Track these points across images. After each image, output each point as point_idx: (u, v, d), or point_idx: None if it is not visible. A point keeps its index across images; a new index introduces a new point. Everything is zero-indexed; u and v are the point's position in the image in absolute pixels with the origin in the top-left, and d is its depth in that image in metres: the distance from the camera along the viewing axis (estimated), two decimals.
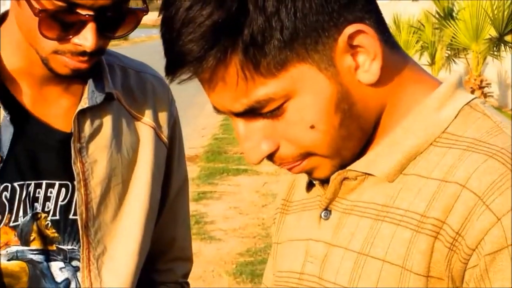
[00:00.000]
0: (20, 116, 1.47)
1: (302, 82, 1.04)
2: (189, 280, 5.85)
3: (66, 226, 1.51)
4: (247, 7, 0.96)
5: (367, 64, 1.04)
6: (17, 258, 1.47)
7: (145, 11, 1.42)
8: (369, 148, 1.14)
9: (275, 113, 1.05)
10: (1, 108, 1.44)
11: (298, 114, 1.06)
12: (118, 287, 1.53)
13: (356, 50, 1.03)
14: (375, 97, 1.09)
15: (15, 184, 1.46)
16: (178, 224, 1.77)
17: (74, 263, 1.52)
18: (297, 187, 1.33)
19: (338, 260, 1.11)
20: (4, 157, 1.44)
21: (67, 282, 1.52)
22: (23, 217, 1.47)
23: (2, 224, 1.45)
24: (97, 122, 1.53)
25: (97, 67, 1.50)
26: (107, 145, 1.54)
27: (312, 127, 1.05)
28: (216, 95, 1.06)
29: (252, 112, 1.06)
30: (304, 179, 1.26)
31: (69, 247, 1.52)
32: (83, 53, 1.37)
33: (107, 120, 1.55)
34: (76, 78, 1.47)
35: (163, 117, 1.66)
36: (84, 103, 1.49)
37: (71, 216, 1.51)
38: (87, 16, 1.31)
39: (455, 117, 1.08)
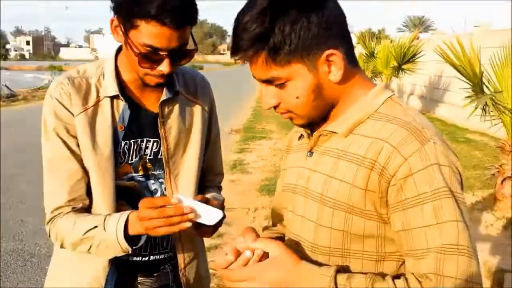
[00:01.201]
0: (132, 105, 1.46)
1: (297, 74, 1.06)
2: (235, 194, 5.95)
3: (156, 162, 1.50)
4: (274, 29, 1.01)
5: (335, 71, 1.07)
6: (132, 180, 1.48)
7: (196, 50, 1.41)
8: (334, 119, 1.14)
9: (280, 86, 1.09)
10: (123, 101, 1.44)
11: (291, 90, 1.08)
12: (185, 192, 1.50)
13: (330, 63, 1.06)
14: (336, 89, 1.11)
15: (131, 141, 1.46)
16: (215, 157, 1.72)
17: (160, 181, 1.51)
18: (293, 138, 1.32)
19: (316, 178, 1.14)
20: (126, 126, 1.44)
21: (155, 190, 1.51)
22: (135, 158, 1.48)
23: (124, 162, 1.46)
24: (171, 107, 1.51)
25: (170, 79, 1.48)
26: (176, 118, 1.52)
27: (297, 97, 1.09)
28: (253, 70, 1.09)
29: (269, 82, 1.09)
30: (297, 135, 1.29)
31: (157, 172, 1.51)
32: (162, 75, 1.36)
33: (176, 105, 1.52)
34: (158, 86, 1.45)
35: (205, 99, 1.62)
36: (164, 97, 1.48)
37: (159, 157, 1.50)
38: (164, 55, 1.31)
39: (382, 104, 1.11)
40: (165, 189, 1.52)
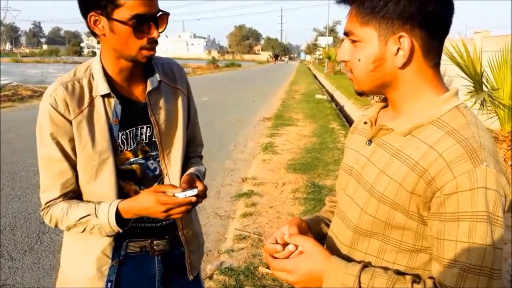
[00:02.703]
0: (122, 99, 1.40)
1: (368, 38, 0.96)
2: (266, 171, 6.00)
3: (151, 144, 1.46)
4: None
5: (400, 55, 0.94)
6: (134, 163, 1.44)
7: (168, 14, 1.35)
8: (396, 112, 1.03)
9: (353, 42, 0.99)
10: (114, 98, 1.38)
11: (358, 51, 0.98)
12: (176, 165, 1.50)
13: (399, 46, 0.94)
14: (397, 74, 0.97)
15: (127, 131, 1.41)
16: (195, 130, 1.67)
17: (158, 159, 1.48)
18: (360, 121, 1.17)
19: (370, 169, 1.02)
20: (119, 119, 1.39)
21: (155, 168, 1.48)
22: (133, 145, 1.43)
23: (124, 150, 1.41)
24: (157, 95, 1.46)
25: (151, 70, 1.45)
26: (163, 105, 1.47)
27: (359, 60, 0.98)
28: (347, 20, 1.00)
29: (347, 34, 1.00)
30: (364, 118, 1.15)
31: (154, 153, 1.47)
32: (153, 42, 1.31)
33: (161, 93, 1.48)
34: (149, 71, 1.44)
35: (183, 83, 1.57)
36: (149, 87, 1.44)
37: (153, 139, 1.46)
38: (150, 21, 1.28)
39: (447, 112, 0.96)
40: (161, 165, 1.49)
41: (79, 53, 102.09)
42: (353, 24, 0.98)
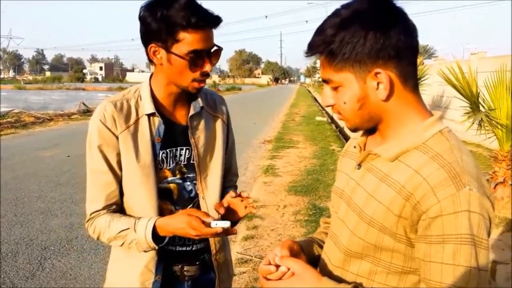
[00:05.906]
0: (166, 120, 1.45)
1: (347, 81, 0.98)
2: (267, 193, 5.96)
3: (189, 166, 1.49)
4: (335, 39, 0.94)
5: (381, 89, 0.96)
6: (172, 183, 1.47)
7: (222, 49, 1.41)
8: (384, 139, 1.04)
9: (334, 89, 1.01)
10: (159, 117, 1.44)
11: (341, 94, 1.00)
12: (213, 190, 1.53)
13: (378, 80, 0.96)
14: (383, 106, 0.99)
15: (167, 150, 1.46)
16: (232, 159, 1.70)
17: (194, 182, 1.50)
18: (351, 144, 1.20)
19: (359, 194, 1.04)
20: (162, 138, 1.44)
21: (191, 190, 1.50)
22: (172, 164, 1.46)
23: (163, 168, 1.45)
24: (198, 120, 1.51)
25: (196, 97, 1.49)
26: (203, 129, 1.52)
27: (344, 103, 1.00)
28: (321, 68, 1.02)
29: (326, 82, 1.02)
30: (354, 141, 1.16)
31: (191, 175, 1.50)
32: (205, 76, 1.37)
33: (202, 118, 1.53)
34: (193, 97, 1.47)
35: (223, 112, 1.62)
36: (192, 111, 1.49)
37: (191, 162, 1.49)
38: (205, 56, 1.34)
39: (431, 137, 0.97)
40: (197, 189, 1.51)
41: (81, 79, 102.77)
42: (328, 72, 1.00)
